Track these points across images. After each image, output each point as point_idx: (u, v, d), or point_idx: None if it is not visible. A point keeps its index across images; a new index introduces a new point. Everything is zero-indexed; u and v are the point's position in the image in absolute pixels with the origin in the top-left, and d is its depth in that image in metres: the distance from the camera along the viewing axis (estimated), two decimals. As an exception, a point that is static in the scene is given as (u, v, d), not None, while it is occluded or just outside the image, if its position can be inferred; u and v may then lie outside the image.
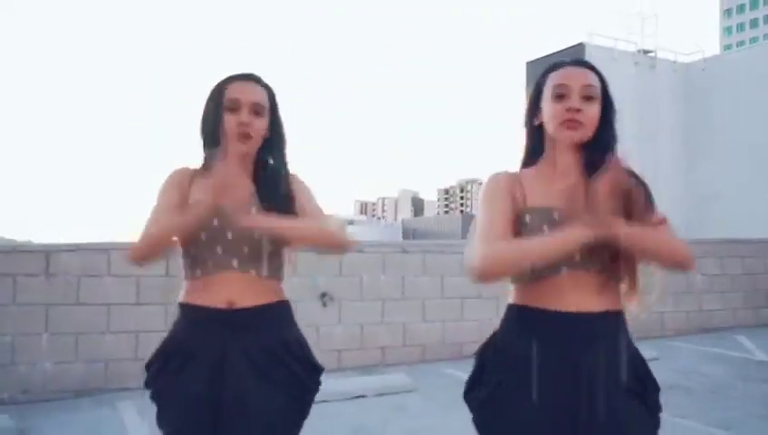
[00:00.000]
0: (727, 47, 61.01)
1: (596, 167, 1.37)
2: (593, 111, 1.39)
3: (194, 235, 1.49)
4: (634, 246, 1.31)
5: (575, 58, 1.53)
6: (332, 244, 1.54)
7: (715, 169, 18.99)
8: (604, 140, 1.40)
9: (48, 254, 4.56)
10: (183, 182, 1.54)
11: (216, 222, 1.49)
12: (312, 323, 1.57)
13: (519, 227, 1.39)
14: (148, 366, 1.55)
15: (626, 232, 1.28)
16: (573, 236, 1.28)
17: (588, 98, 1.38)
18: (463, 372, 1.51)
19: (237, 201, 1.50)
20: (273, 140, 1.58)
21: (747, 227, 13.28)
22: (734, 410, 4.26)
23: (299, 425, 1.53)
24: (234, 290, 1.48)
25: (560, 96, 1.38)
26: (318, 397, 1.60)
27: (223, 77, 1.58)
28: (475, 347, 1.51)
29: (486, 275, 1.33)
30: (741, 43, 61.09)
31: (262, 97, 1.55)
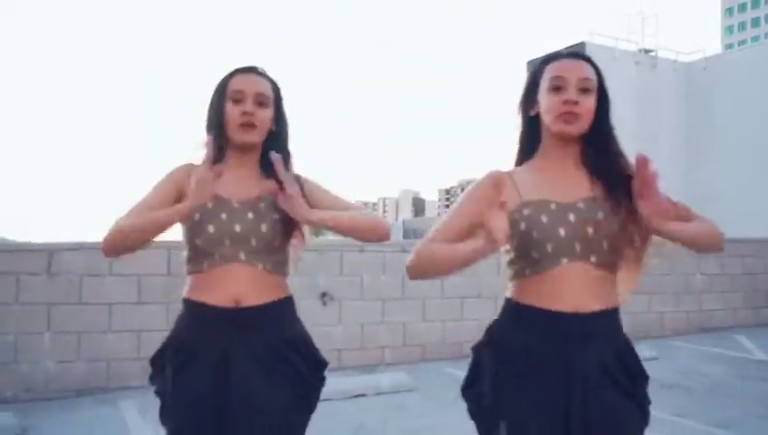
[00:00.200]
0: (729, 46, 60.93)
1: (592, 158, 1.41)
2: (590, 104, 1.40)
3: (201, 228, 1.48)
4: (684, 238, 1.33)
5: (574, 51, 1.54)
6: (380, 233, 1.55)
7: (716, 168, 18.99)
8: (600, 133, 1.42)
9: (50, 253, 4.58)
10: (182, 180, 1.51)
11: (224, 216, 1.48)
12: (313, 323, 1.57)
13: (517, 222, 1.40)
14: (154, 361, 1.55)
15: (676, 228, 1.32)
16: (475, 249, 1.31)
17: (584, 90, 1.40)
18: (463, 372, 1.53)
19: (246, 195, 1.51)
20: (278, 133, 1.58)
21: (748, 227, 13.28)
22: (734, 409, 4.28)
23: (305, 423, 1.53)
24: (240, 286, 1.47)
25: (557, 88, 1.40)
26: None
27: (227, 71, 1.57)
28: None
29: (411, 271, 1.41)
30: (742, 42, 60.99)
31: (266, 88, 1.55)
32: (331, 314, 5.37)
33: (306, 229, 1.59)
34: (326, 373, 1.62)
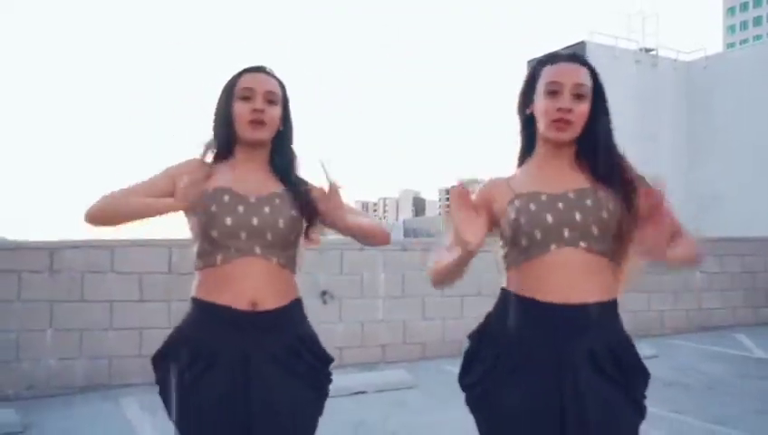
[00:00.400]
0: (730, 45, 60.89)
1: (585, 157, 1.45)
2: (582, 109, 1.43)
3: (219, 220, 1.47)
4: (672, 263, 1.41)
5: (571, 53, 1.56)
6: (386, 239, 1.63)
7: (717, 168, 18.98)
8: (593, 135, 1.45)
9: (52, 251, 4.61)
10: (186, 173, 1.51)
11: (241, 208, 1.49)
12: (313, 321, 1.59)
13: (507, 213, 1.44)
14: (156, 360, 1.53)
15: (672, 255, 1.38)
16: (457, 259, 1.40)
17: (578, 96, 1.43)
18: None
19: (261, 191, 1.53)
20: (285, 132, 1.60)
21: (749, 226, 13.28)
22: (732, 406, 4.30)
23: (318, 417, 1.55)
24: (255, 285, 1.47)
25: (552, 93, 1.43)
26: None
27: (235, 71, 1.59)
28: None
29: (433, 285, 1.51)
30: (744, 41, 60.92)
31: (275, 87, 1.56)
32: (332, 313, 5.40)
33: (318, 229, 1.61)
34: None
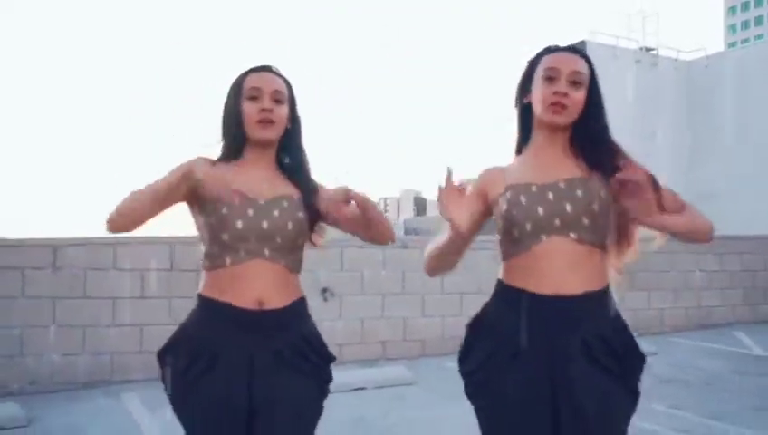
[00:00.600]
0: (731, 45, 60.84)
1: (578, 145, 1.48)
2: (579, 97, 1.46)
3: (229, 223, 1.47)
4: (674, 230, 1.42)
5: (570, 45, 1.60)
6: (392, 236, 1.66)
7: (717, 167, 18.96)
8: (588, 122, 1.48)
9: (55, 248, 4.65)
10: (197, 169, 1.51)
11: (251, 212, 1.49)
12: (314, 318, 1.61)
13: (499, 205, 1.48)
14: (161, 355, 1.53)
15: (667, 220, 1.40)
16: (448, 240, 1.46)
17: (575, 83, 1.46)
18: None
19: (270, 193, 1.52)
20: (293, 131, 1.59)
21: (749, 226, 13.26)
22: (730, 402, 4.32)
23: (319, 416, 1.55)
24: (263, 285, 1.48)
25: (549, 78, 1.46)
26: None
27: (241, 71, 1.59)
28: None
29: (426, 272, 1.58)
30: (745, 41, 60.83)
31: (281, 86, 1.56)
32: (332, 310, 5.43)
33: (321, 230, 1.63)
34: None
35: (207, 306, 1.51)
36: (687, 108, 20.15)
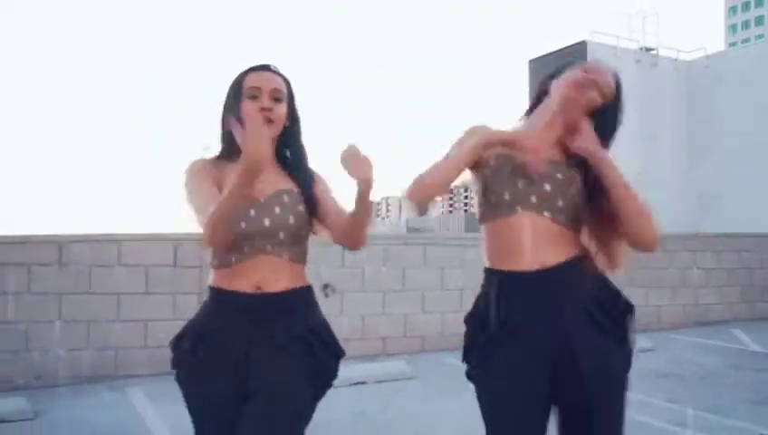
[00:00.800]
0: (732, 45, 60.78)
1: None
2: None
3: (233, 225, 1.48)
4: (612, 176, 1.46)
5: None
6: (365, 242, 1.60)
7: (718, 167, 18.98)
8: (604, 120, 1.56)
9: (60, 244, 4.72)
10: (210, 170, 1.56)
11: (253, 212, 1.51)
12: None
13: (487, 164, 1.55)
14: (174, 345, 1.58)
15: (609, 159, 1.47)
16: (471, 142, 1.51)
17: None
18: (463, 363, 1.62)
19: (269, 189, 1.55)
20: (293, 128, 1.63)
21: (750, 226, 13.29)
22: (725, 396, 4.38)
23: (313, 406, 1.54)
24: (264, 274, 1.51)
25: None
26: None
27: (240, 71, 1.62)
28: None
29: (411, 195, 1.55)
30: (746, 41, 60.74)
31: (280, 84, 1.59)
32: (333, 306, 5.49)
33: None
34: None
35: (214, 295, 1.56)
36: (687, 108, 20.16)
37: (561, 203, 1.50)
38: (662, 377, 4.88)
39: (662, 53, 20.51)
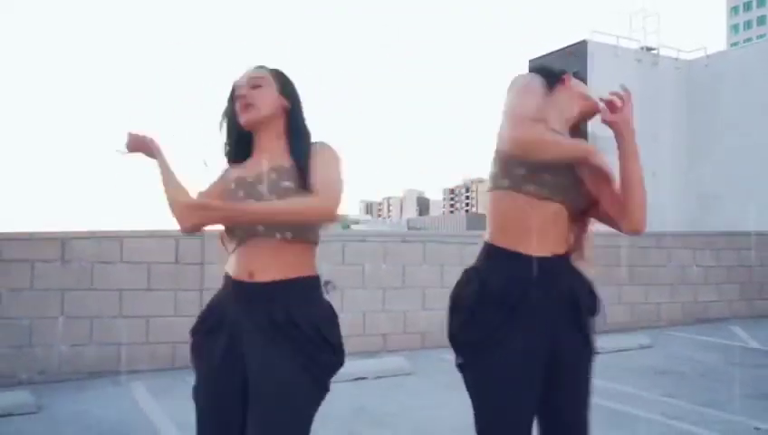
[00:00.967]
0: (734, 45, 60.69)
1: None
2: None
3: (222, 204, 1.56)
4: (634, 150, 1.56)
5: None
6: (310, 220, 1.56)
7: (718, 167, 18.97)
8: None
9: (64, 241, 4.77)
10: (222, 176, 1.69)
11: (241, 193, 1.56)
12: None
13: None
14: (192, 332, 1.64)
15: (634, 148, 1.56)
16: (584, 147, 1.53)
17: None
18: None
19: (258, 169, 1.58)
20: (292, 107, 1.64)
21: (750, 227, 13.31)
22: (723, 391, 4.40)
23: (314, 399, 1.54)
24: (258, 259, 1.52)
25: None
26: None
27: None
28: None
29: (524, 146, 1.47)
30: (748, 41, 60.69)
31: (258, 73, 1.64)
32: (334, 302, 5.46)
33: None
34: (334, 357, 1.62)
35: (224, 281, 1.62)
36: (688, 107, 20.17)
37: (573, 190, 1.56)
38: (660, 373, 4.91)
39: (663, 52, 20.51)
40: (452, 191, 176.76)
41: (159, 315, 4.87)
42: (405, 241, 6.01)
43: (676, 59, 20.57)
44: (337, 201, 1.52)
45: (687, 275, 7.41)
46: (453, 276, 1.64)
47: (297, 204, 1.51)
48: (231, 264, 1.58)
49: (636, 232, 1.55)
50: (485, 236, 1.61)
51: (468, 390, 1.58)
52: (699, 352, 5.78)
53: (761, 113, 18.30)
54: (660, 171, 18.46)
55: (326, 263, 5.48)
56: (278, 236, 1.52)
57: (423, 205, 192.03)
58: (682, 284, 7.36)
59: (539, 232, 1.51)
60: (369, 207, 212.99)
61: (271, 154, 1.60)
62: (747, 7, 72.28)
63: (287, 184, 1.54)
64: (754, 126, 18.37)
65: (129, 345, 4.85)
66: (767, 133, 18.10)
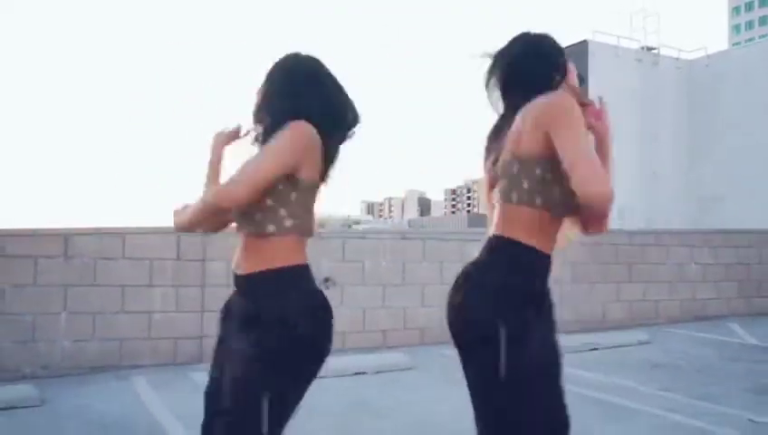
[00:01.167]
0: (736, 45, 60.65)
1: None
2: None
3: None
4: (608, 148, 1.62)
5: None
6: (213, 213, 1.59)
7: (719, 167, 18.99)
8: None
9: (66, 237, 4.82)
10: None
11: None
12: None
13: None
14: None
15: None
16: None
17: None
18: None
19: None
20: (263, 101, 1.70)
21: (751, 227, 13.34)
22: (719, 385, 4.44)
23: (267, 382, 1.49)
24: (239, 253, 1.62)
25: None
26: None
27: None
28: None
29: (610, 203, 1.41)
30: (750, 41, 60.65)
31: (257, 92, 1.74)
32: (334, 299, 5.53)
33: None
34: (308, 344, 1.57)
35: None
36: (689, 107, 20.18)
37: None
38: (657, 368, 4.95)
39: (663, 52, 20.53)
40: (453, 192, 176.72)
41: (161, 311, 4.91)
42: (405, 238, 6.06)
43: (677, 59, 20.59)
44: (238, 184, 1.49)
45: (686, 273, 7.45)
46: (453, 273, 1.65)
47: (204, 195, 1.62)
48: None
49: (598, 233, 1.63)
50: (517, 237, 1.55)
51: (496, 386, 1.49)
52: (697, 348, 5.81)
53: (762, 113, 18.30)
54: (661, 171, 18.50)
55: (326, 259, 5.54)
56: (245, 231, 1.59)
57: (424, 205, 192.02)
58: (680, 281, 7.40)
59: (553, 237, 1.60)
60: (370, 208, 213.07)
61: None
62: (749, 7, 72.25)
63: None
64: (756, 126, 18.37)
65: (132, 340, 4.90)
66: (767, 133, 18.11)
